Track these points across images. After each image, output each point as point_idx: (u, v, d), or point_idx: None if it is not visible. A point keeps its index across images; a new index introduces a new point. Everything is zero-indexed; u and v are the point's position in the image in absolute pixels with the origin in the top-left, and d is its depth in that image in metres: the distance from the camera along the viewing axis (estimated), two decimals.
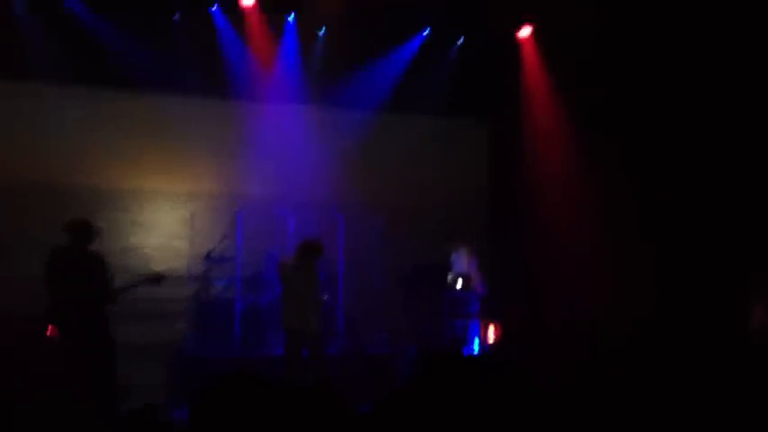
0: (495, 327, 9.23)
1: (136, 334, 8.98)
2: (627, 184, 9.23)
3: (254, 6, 9.83)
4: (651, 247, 8.84)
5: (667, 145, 8.92)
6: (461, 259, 9.65)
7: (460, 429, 1.73)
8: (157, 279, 7.31)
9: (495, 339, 9.18)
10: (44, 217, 8.92)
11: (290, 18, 10.15)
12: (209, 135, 10.11)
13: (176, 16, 9.60)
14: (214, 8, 9.78)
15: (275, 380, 6.59)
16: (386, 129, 10.73)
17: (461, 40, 10.69)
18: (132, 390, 7.08)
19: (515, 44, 10.68)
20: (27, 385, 7.01)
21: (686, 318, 7.84)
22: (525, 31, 10.57)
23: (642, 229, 9.01)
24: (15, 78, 9.40)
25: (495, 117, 11.47)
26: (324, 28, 10.28)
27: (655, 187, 9.04)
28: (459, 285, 9.32)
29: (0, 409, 4.86)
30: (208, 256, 9.30)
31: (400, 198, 10.65)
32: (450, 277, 9.52)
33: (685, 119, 8.71)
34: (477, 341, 9.20)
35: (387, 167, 10.72)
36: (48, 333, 6.81)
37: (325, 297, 7.80)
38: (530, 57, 10.76)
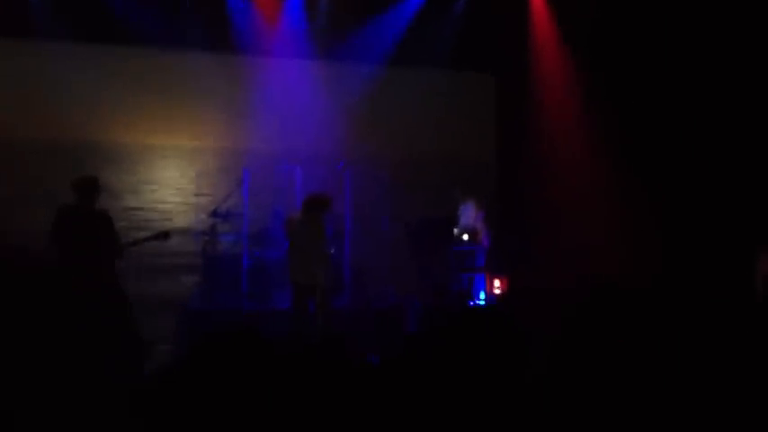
0: (501, 280, 9.27)
1: (143, 289, 9.05)
2: (637, 140, 9.19)
3: None
4: (659, 203, 8.83)
5: (679, 102, 8.85)
6: (468, 212, 9.67)
7: (467, 379, 1.75)
8: (164, 235, 7.37)
9: (501, 292, 9.22)
10: (49, 174, 8.94)
11: None
12: (215, 91, 10.06)
13: None
14: None
15: (281, 334, 6.65)
16: (392, 83, 10.66)
17: None
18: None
19: None
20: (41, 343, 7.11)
21: (695, 275, 7.85)
22: None
23: (650, 185, 8.99)
24: (21, 36, 9.35)
25: (503, 70, 11.37)
26: None
27: (665, 143, 8.99)
28: (465, 239, 9.35)
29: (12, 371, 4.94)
30: (214, 212, 9.32)
31: (406, 152, 10.62)
32: (456, 231, 9.54)
33: (698, 77, 8.62)
34: (482, 294, 9.26)
35: (393, 122, 10.67)
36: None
37: (332, 251, 7.82)
38: (538, 8, 10.62)
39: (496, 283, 9.23)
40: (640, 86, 9.21)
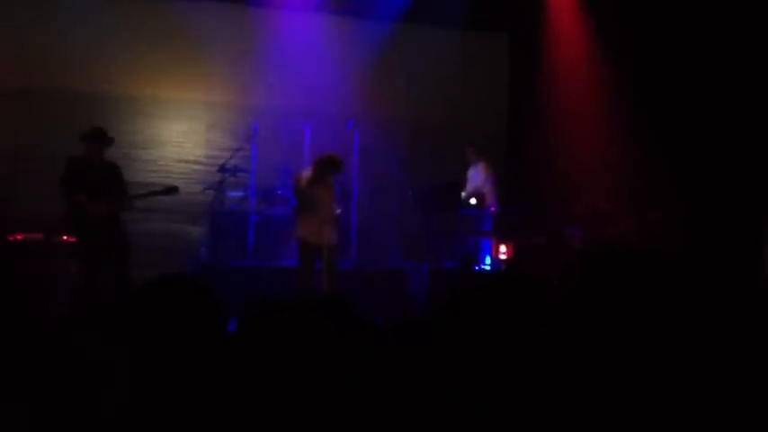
0: (508, 246, 9.26)
1: (150, 241, 9.08)
2: (654, 106, 9.10)
3: None
4: (674, 173, 8.76)
5: (701, 69, 8.72)
6: (478, 174, 9.62)
7: (477, 343, 1.73)
8: (172, 190, 7.41)
9: (507, 258, 9.22)
10: (58, 124, 8.93)
11: None
12: (225, 44, 9.97)
13: None
14: None
15: (287, 291, 6.65)
16: (405, 42, 10.54)
17: None
18: None
19: None
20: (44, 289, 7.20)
21: (707, 250, 7.82)
22: None
23: (667, 153, 8.92)
24: None
25: (517, 31, 11.22)
26: None
27: (684, 111, 8.89)
28: (472, 203, 9.33)
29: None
30: (222, 167, 9.31)
31: (417, 113, 10.54)
32: (464, 194, 9.51)
33: (722, 44, 8.49)
34: (488, 259, 9.26)
35: (404, 82, 10.58)
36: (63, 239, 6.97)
37: (339, 211, 7.81)
38: None
39: (502, 248, 9.22)
40: (660, 51, 9.08)
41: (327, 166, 7.37)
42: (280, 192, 9.37)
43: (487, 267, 9.19)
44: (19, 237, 7.97)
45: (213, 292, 2.02)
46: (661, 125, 9.06)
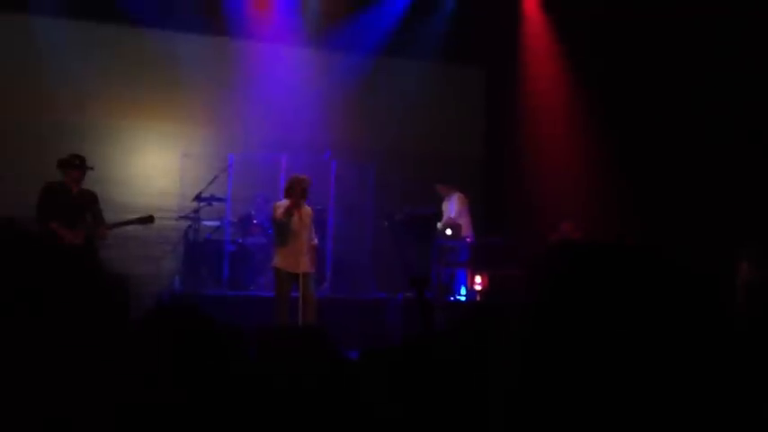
0: (482, 276, 9.30)
1: (126, 269, 8.99)
2: (628, 137, 9.22)
3: None
4: (649, 204, 8.87)
5: (672, 98, 8.89)
6: (453, 206, 9.69)
7: (452, 379, 1.75)
8: (148, 219, 7.39)
9: (482, 288, 9.26)
10: (33, 151, 8.88)
11: None
12: (204, 74, 10.01)
13: None
14: None
15: (263, 322, 6.62)
16: (381, 74, 10.65)
17: None
18: None
19: None
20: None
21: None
22: None
23: (641, 185, 9.04)
24: (9, 10, 9.27)
25: (493, 64, 11.38)
26: None
27: (656, 143, 9.03)
28: (448, 233, 9.37)
29: None
30: (198, 197, 9.29)
31: (394, 144, 10.61)
32: (440, 225, 9.56)
33: (692, 71, 8.67)
34: (463, 290, 9.29)
35: (381, 113, 10.66)
36: None
37: (315, 241, 7.82)
38: (529, 2, 10.65)
39: (478, 279, 9.26)
40: (632, 83, 9.23)
41: (297, 187, 7.37)
42: (255, 221, 9.37)
43: (462, 298, 9.21)
44: None
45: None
46: (637, 153, 9.19)
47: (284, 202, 7.39)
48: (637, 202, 9.01)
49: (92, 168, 7.21)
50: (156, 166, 10.26)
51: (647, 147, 9.14)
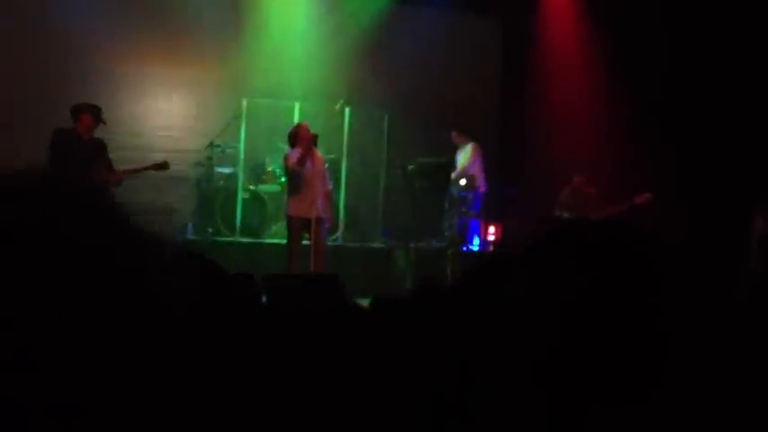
0: (496, 227, 9.29)
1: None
2: (644, 90, 9.08)
3: None
4: (665, 153, 8.76)
5: (690, 49, 8.72)
6: (467, 157, 9.63)
7: (460, 333, 1.74)
8: (162, 166, 7.38)
9: (496, 239, 9.26)
10: (47, 98, 8.85)
11: None
12: (217, 20, 9.87)
13: None
14: None
15: (275, 269, 6.66)
16: (396, 21, 10.47)
17: None
18: None
19: None
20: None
21: (692, 233, 7.85)
22: None
23: (658, 135, 8.93)
24: None
25: (509, 11, 11.16)
26: None
27: (675, 89, 8.88)
28: (462, 183, 9.32)
29: None
30: (211, 144, 9.28)
31: (408, 93, 10.49)
32: (453, 175, 9.51)
33: (710, 38, 8.49)
34: (476, 240, 9.29)
35: (396, 61, 10.51)
36: None
37: (330, 186, 7.84)
38: None
39: (491, 229, 9.25)
40: (655, 31, 9.03)
41: (312, 138, 7.38)
42: (269, 169, 9.36)
43: (475, 248, 9.22)
44: None
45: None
46: (656, 109, 9.05)
47: (297, 151, 7.37)
48: (652, 156, 8.90)
49: (104, 122, 7.20)
50: (169, 113, 10.22)
51: (664, 101, 9.00)
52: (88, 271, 0.79)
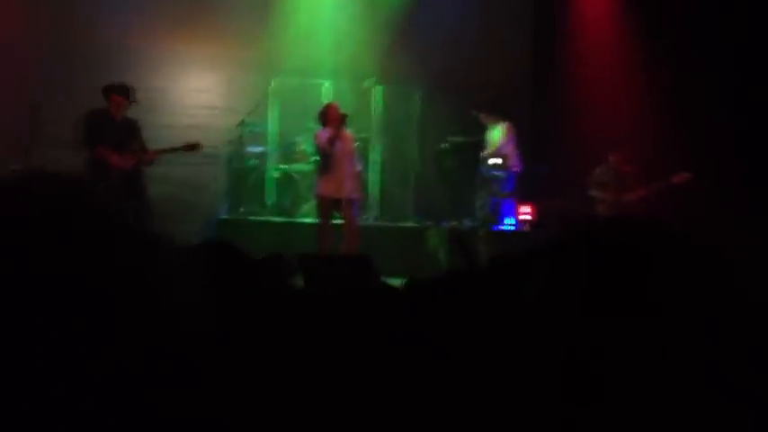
0: (530, 206, 9.20)
1: (171, 197, 9.11)
2: (684, 70, 8.87)
3: None
4: (698, 137, 8.59)
5: (732, 39, 8.50)
6: (499, 136, 9.51)
7: (492, 314, 1.69)
8: (194, 146, 7.41)
9: (530, 219, 9.17)
10: (77, 76, 8.90)
11: None
12: None
13: None
14: None
15: (306, 249, 6.65)
16: None
17: None
18: None
19: None
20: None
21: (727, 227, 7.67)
22: None
23: (693, 117, 8.74)
24: None
25: None
26: None
27: (709, 76, 8.68)
28: (493, 162, 9.21)
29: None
30: (242, 123, 9.28)
31: (440, 71, 10.38)
32: (485, 154, 9.40)
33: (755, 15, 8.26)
34: (511, 219, 9.20)
35: (426, 37, 10.39)
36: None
37: (359, 167, 7.81)
38: None
39: (525, 209, 9.16)
40: (691, 14, 8.83)
41: (341, 117, 7.36)
42: (301, 148, 9.34)
43: (508, 227, 9.13)
44: None
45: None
46: (695, 84, 8.84)
47: (326, 131, 7.36)
48: (692, 134, 8.71)
49: (136, 102, 7.22)
50: (200, 92, 10.23)
51: (704, 75, 8.78)
52: (89, 269, 0.77)
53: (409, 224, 9.42)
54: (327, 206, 7.38)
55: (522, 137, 9.63)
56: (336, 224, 7.53)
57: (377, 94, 9.68)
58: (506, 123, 9.51)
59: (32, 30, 9.16)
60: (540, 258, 1.41)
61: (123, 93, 7.08)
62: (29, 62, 9.03)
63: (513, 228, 9.13)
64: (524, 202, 9.20)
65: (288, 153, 9.47)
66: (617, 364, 1.19)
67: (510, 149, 9.36)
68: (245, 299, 1.73)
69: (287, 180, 9.27)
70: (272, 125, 9.45)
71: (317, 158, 7.92)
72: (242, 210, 9.08)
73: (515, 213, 9.17)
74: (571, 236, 1.32)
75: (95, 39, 9.33)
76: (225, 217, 9.00)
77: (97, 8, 9.30)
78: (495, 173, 9.13)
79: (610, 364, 1.19)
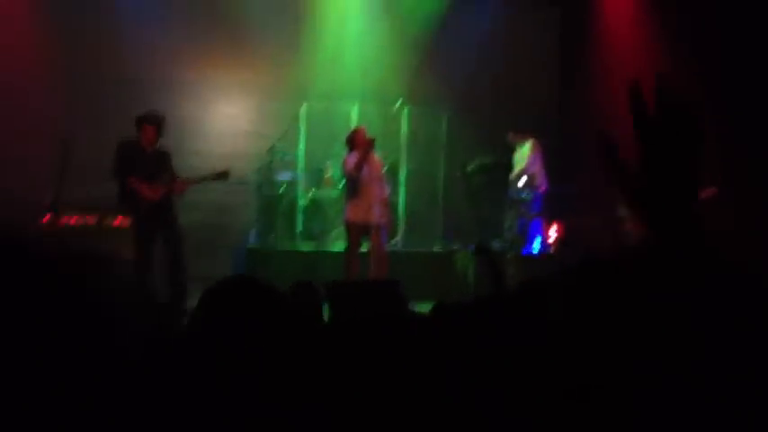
0: (558, 226, 9.13)
1: (201, 227, 9.20)
2: (709, 83, 8.79)
3: None
4: (729, 159, 8.46)
5: (757, 54, 8.40)
6: (526, 154, 9.48)
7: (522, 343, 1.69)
8: (223, 175, 7.45)
9: (557, 239, 9.10)
10: (107, 108, 9.04)
11: None
12: (273, 23, 9.96)
13: None
14: None
15: (335, 276, 6.66)
16: (453, 19, 10.39)
17: None
18: (199, 281, 7.30)
19: None
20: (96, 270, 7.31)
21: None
22: None
23: (722, 127, 8.62)
24: None
25: (569, 7, 10.98)
26: None
27: (737, 88, 8.58)
28: (521, 183, 9.19)
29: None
30: (271, 149, 9.36)
31: (466, 91, 10.40)
32: (513, 175, 9.38)
33: None
34: (538, 240, 9.14)
35: (453, 60, 10.44)
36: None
37: (388, 192, 7.80)
38: None
39: (552, 229, 9.09)
40: (719, 25, 8.74)
41: (369, 142, 7.34)
42: (328, 174, 9.39)
43: (536, 250, 9.07)
44: (72, 220, 8.11)
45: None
46: (722, 98, 8.74)
47: (354, 155, 7.36)
48: (721, 149, 8.59)
49: (166, 128, 7.28)
50: (230, 118, 10.36)
51: (731, 90, 8.68)
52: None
53: (437, 248, 9.40)
54: (356, 232, 7.37)
55: (549, 156, 9.61)
56: (364, 251, 7.52)
57: (404, 116, 9.72)
58: (533, 141, 9.49)
59: (62, 63, 9.34)
60: (558, 287, 1.41)
61: (155, 122, 7.15)
62: (59, 94, 9.20)
63: (540, 249, 9.06)
64: (552, 223, 9.14)
65: (316, 179, 9.52)
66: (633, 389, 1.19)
67: (537, 168, 9.34)
68: (270, 334, 1.73)
69: (315, 206, 9.31)
70: (301, 151, 9.51)
71: (344, 184, 7.94)
72: (272, 237, 9.13)
73: (543, 234, 9.11)
74: (588, 266, 1.32)
75: (126, 66, 9.49)
76: (254, 245, 9.06)
77: (128, 36, 9.46)
78: (522, 194, 9.10)
79: (625, 390, 1.19)
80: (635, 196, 1.35)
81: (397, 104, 9.56)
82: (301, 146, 9.49)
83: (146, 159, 7.10)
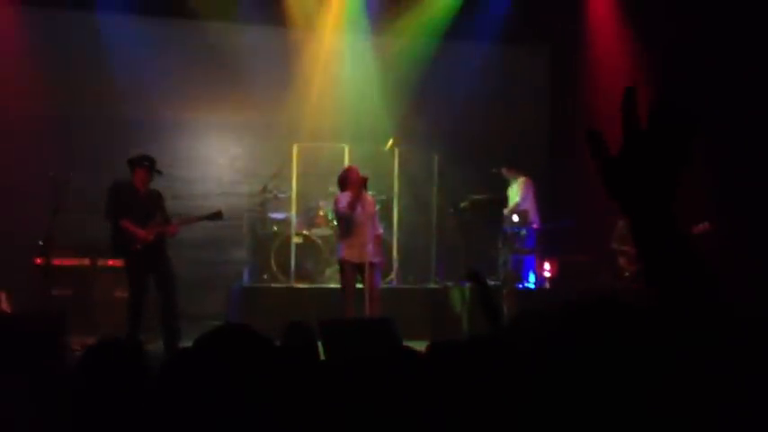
0: (551, 263, 9.14)
1: (196, 266, 9.19)
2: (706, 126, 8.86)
3: None
4: (716, 194, 8.53)
5: (746, 94, 8.51)
6: (517, 191, 9.53)
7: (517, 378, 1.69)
8: (216, 215, 7.47)
9: (551, 275, 9.10)
10: (97, 149, 9.08)
11: None
12: (265, 65, 10.04)
13: None
14: None
15: (330, 314, 6.64)
16: (443, 56, 10.49)
17: None
18: (194, 320, 7.29)
19: None
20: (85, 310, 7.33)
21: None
22: None
23: (711, 171, 8.70)
24: (77, 7, 9.49)
25: (557, 42, 11.11)
26: None
27: (729, 132, 8.66)
28: (515, 219, 9.22)
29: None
30: (264, 189, 9.38)
31: (457, 130, 10.48)
32: (506, 211, 9.42)
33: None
34: (532, 277, 9.14)
35: (444, 98, 10.53)
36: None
37: (380, 230, 7.80)
38: None
39: (547, 265, 9.10)
40: (705, 60, 8.86)
41: (361, 181, 7.34)
42: (321, 213, 9.41)
43: (531, 286, 9.07)
44: (66, 262, 8.12)
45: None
46: (709, 138, 8.82)
47: (346, 195, 7.37)
48: (714, 184, 8.65)
49: (160, 173, 7.30)
50: (223, 159, 10.41)
51: (723, 132, 8.76)
52: None
53: (431, 285, 9.40)
54: (351, 271, 7.36)
55: (541, 192, 9.66)
56: (360, 288, 7.50)
57: (396, 155, 9.78)
58: (525, 179, 9.55)
59: (58, 104, 9.39)
60: (556, 321, 1.42)
61: (145, 166, 7.17)
62: (54, 136, 9.23)
63: (534, 286, 9.06)
64: (546, 259, 9.15)
65: (309, 218, 9.54)
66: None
67: (529, 205, 9.38)
68: (263, 382, 1.73)
69: (309, 245, 9.31)
70: (294, 190, 9.54)
71: (337, 223, 7.94)
72: (266, 276, 9.11)
73: (537, 270, 9.11)
74: (588, 303, 1.34)
75: (121, 108, 9.55)
76: (248, 284, 9.05)
77: (123, 78, 9.52)
78: (516, 230, 9.12)
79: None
80: (613, 185, 1.38)
81: (389, 144, 9.61)
82: (294, 185, 9.52)
83: (139, 200, 7.12)
